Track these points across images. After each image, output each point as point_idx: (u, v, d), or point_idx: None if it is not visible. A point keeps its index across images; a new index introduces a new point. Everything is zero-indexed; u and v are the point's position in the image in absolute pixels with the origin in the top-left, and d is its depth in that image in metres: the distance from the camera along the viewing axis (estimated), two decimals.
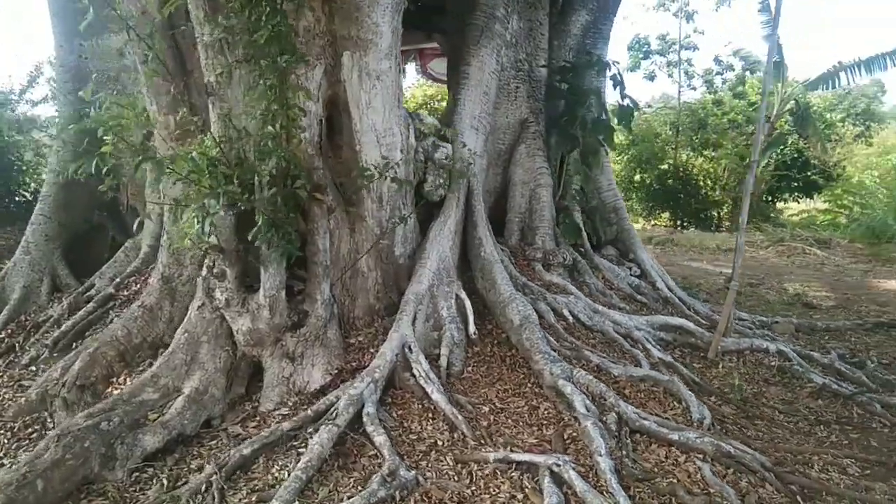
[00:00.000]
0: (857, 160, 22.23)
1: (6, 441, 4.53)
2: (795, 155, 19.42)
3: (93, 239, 6.89)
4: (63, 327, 5.71)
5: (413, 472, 3.85)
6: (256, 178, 4.37)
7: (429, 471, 3.95)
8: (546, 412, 4.59)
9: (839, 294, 9.81)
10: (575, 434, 4.31)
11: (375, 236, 5.42)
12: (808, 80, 15.99)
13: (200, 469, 4.07)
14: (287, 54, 4.21)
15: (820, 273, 12.15)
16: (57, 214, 6.58)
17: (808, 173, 19.67)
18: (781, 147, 18.19)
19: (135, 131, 5.39)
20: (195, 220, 4.39)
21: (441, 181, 5.71)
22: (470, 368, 5.17)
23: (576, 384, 4.65)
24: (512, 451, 4.06)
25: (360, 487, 3.78)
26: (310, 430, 4.30)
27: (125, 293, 6.03)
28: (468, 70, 6.18)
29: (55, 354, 5.55)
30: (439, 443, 4.24)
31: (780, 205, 21.75)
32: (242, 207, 4.51)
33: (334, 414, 4.25)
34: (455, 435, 4.32)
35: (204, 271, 4.84)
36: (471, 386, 4.96)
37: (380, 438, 4.09)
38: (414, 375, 4.81)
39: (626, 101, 6.86)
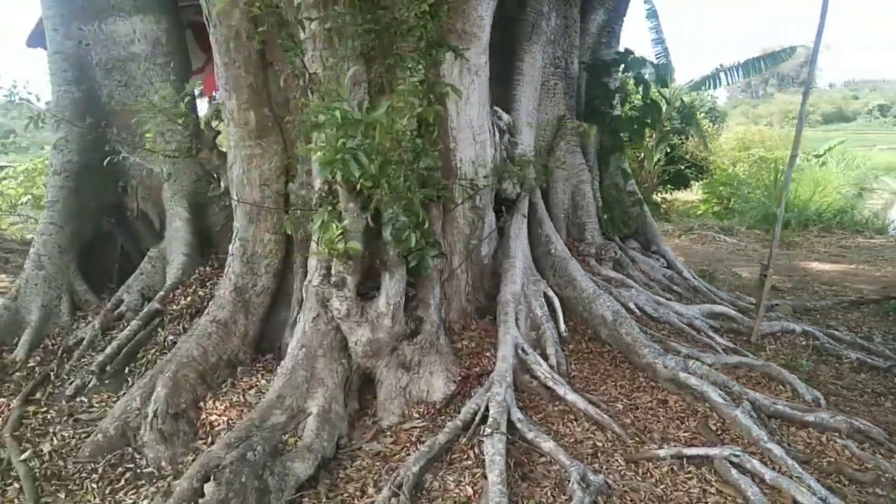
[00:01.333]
0: (722, 154, 24.36)
1: (96, 486, 3.94)
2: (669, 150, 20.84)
3: (101, 248, 6.10)
4: (107, 350, 5.02)
5: (600, 475, 3.78)
6: (402, 179, 4.07)
7: (606, 473, 3.89)
8: (676, 405, 4.65)
9: (783, 276, 10.69)
10: (721, 424, 4.40)
11: (465, 237, 5.24)
12: (692, 82, 17.23)
13: (363, 493, 3.77)
14: (439, 47, 3.96)
15: (749, 258, 13.15)
16: (68, 222, 5.75)
17: (683, 167, 21.18)
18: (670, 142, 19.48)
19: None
20: (331, 224, 4.02)
21: (515, 179, 5.62)
22: (573, 366, 5.14)
23: (696, 375, 4.75)
24: (687, 446, 4.09)
25: (556, 496, 3.66)
26: (462, 440, 4.11)
27: (173, 308, 5.41)
28: (522, 66, 6.10)
29: (106, 382, 4.88)
30: (598, 443, 4.19)
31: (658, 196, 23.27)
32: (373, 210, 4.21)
33: (496, 422, 4.07)
34: (607, 434, 4.27)
35: (315, 280, 4.45)
36: (585, 384, 4.93)
37: (548, 444, 3.98)
38: (537, 377, 4.71)
39: (649, 100, 7.08)
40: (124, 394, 4.77)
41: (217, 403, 4.58)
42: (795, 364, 5.68)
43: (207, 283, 5.62)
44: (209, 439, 4.27)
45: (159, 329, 5.24)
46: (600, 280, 6.15)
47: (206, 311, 5.01)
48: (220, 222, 6.19)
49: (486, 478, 3.75)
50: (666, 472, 3.91)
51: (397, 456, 4.10)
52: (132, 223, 6.28)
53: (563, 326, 5.36)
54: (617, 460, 4.03)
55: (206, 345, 4.80)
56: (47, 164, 5.85)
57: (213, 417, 4.46)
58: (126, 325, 5.43)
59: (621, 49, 7.53)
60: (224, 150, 5.21)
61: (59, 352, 5.12)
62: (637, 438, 4.25)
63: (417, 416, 4.49)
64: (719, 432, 4.34)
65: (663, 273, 7.12)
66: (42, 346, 5.23)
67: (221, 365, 4.84)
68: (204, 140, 5.19)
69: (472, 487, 3.74)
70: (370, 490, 3.79)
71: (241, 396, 4.67)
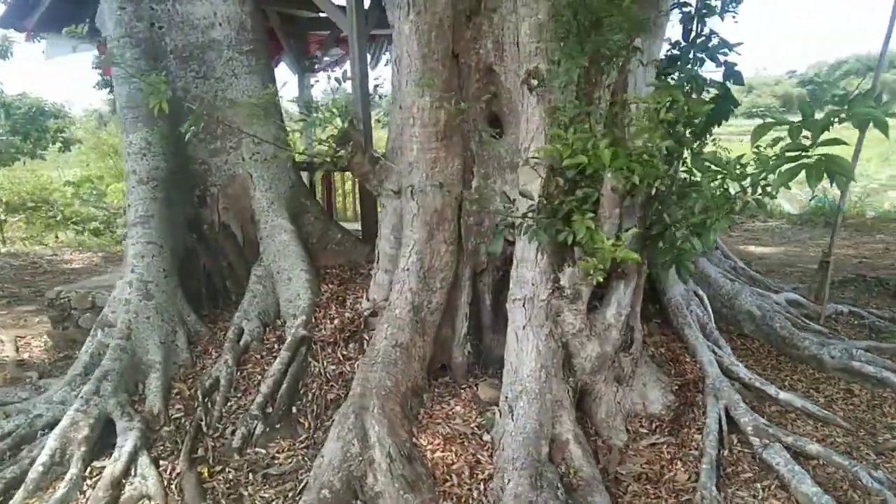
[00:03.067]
0: None
1: None
2: None
3: (187, 269, 5.18)
4: (262, 389, 4.29)
5: (878, 471, 3.80)
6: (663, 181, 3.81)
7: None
8: (864, 394, 4.76)
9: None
10: None
11: None
12: None
13: None
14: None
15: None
16: (166, 240, 4.81)
17: None
18: None
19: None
20: (597, 232, 3.68)
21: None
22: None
23: (870, 363, 4.92)
24: None
25: (859, 498, 3.63)
26: (723, 452, 3.97)
27: (320, 333, 4.72)
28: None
29: (278, 426, 4.18)
30: (838, 440, 4.20)
31: None
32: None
33: (760, 430, 3.96)
34: (835, 430, 4.31)
35: (543, 294, 4.07)
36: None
37: (814, 448, 3.95)
38: (739, 378, 4.65)
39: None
40: (305, 438, 4.12)
41: (428, 437, 4.07)
42: None
43: (346, 302, 4.97)
44: (454, 480, 3.77)
45: (310, 358, 4.55)
46: None
47: (378, 334, 4.42)
48: (317, 232, 5.50)
49: (783, 489, 3.65)
50: None
51: (666, 477, 3.86)
52: (207, 238, 5.40)
53: (712, 324, 5.33)
54: (869, 454, 4.07)
55: (394, 373, 4.25)
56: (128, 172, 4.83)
57: (437, 455, 3.95)
58: (258, 356, 4.68)
59: None
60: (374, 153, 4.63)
61: (201, 397, 4.28)
62: (863, 430, 4.32)
63: (646, 430, 4.27)
64: None
65: (728, 264, 7.32)
66: (175, 391, 4.35)
67: (409, 394, 4.31)
68: (355, 142, 4.56)
69: (777, 500, 3.62)
70: None
71: (447, 427, 4.19)
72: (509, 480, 3.61)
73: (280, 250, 5.14)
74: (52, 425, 4.30)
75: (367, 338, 4.69)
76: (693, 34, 4.44)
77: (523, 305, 4.15)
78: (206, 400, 4.27)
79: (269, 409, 4.23)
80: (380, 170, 4.70)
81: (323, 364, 4.52)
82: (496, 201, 4.56)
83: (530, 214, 3.96)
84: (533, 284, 4.13)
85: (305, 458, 3.97)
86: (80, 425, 3.79)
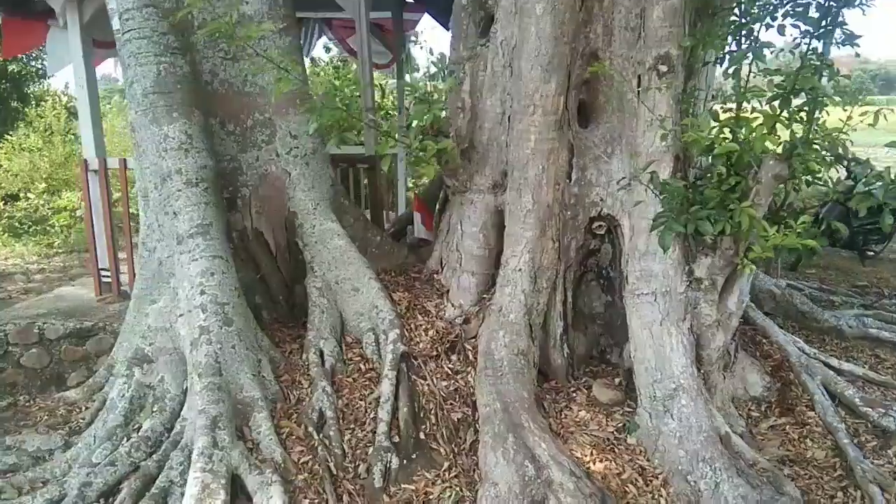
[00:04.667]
0: None
1: None
2: None
3: None
4: (381, 416, 3.74)
5: None
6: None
7: None
8: (892, 360, 5.26)
9: None
10: None
11: None
12: None
13: None
14: None
15: None
16: (227, 252, 3.97)
17: None
18: None
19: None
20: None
21: None
22: None
23: (885, 330, 5.46)
24: None
25: None
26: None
27: (418, 348, 4.20)
28: None
29: (414, 457, 3.68)
30: None
31: None
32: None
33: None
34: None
35: (681, 287, 3.98)
36: None
37: None
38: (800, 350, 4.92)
39: None
40: (449, 466, 3.68)
41: (576, 448, 3.82)
42: None
43: (428, 310, 4.49)
44: (631, 489, 3.58)
45: (413, 375, 4.06)
46: None
47: (494, 343, 4.07)
48: (358, 235, 4.93)
49: None
50: None
51: (809, 456, 3.97)
52: (243, 246, 4.61)
53: None
54: None
55: (524, 382, 3.97)
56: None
57: (598, 466, 3.72)
58: (349, 379, 4.09)
59: None
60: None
61: (315, 434, 3.63)
62: None
63: (758, 414, 4.37)
64: None
65: None
66: (283, 430, 3.63)
67: (534, 406, 4.01)
68: (456, 133, 4.13)
69: None
70: None
71: (586, 435, 3.98)
72: (695, 482, 3.49)
73: (337, 257, 4.50)
74: (108, 493, 3.45)
75: (469, 348, 4.28)
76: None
77: (655, 300, 4.03)
78: (321, 437, 3.63)
79: (396, 439, 3.70)
80: (471, 163, 4.29)
81: (432, 381, 4.05)
82: (593, 193, 4.37)
83: (661, 205, 3.84)
84: (665, 277, 4.01)
85: (464, 489, 3.53)
86: (214, 489, 3.01)
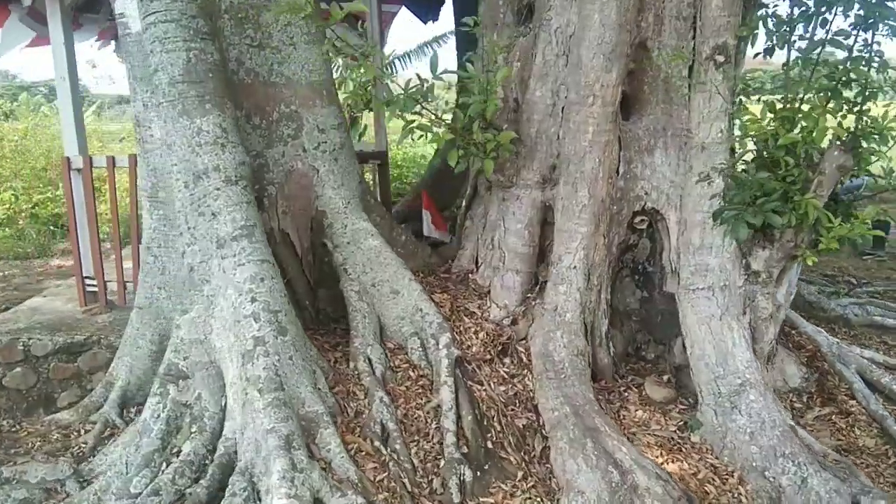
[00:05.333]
0: None
1: None
2: None
3: None
4: (446, 426, 3.53)
5: None
6: None
7: None
8: None
9: None
10: None
11: None
12: None
13: None
14: None
15: None
16: (271, 256, 3.65)
17: None
18: None
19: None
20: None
21: None
22: None
23: (887, 317, 5.63)
24: None
25: None
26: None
27: (471, 352, 3.99)
28: None
29: (486, 467, 3.49)
30: None
31: None
32: None
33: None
34: None
35: (739, 280, 3.93)
36: None
37: None
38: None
39: None
40: (524, 476, 3.52)
41: (644, 450, 3.72)
42: None
43: (472, 310, 4.28)
44: (711, 489, 3.50)
45: (467, 380, 3.85)
46: None
47: (552, 343, 3.93)
48: (385, 235, 4.67)
49: None
50: None
51: (861, 445, 4.00)
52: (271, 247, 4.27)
53: None
54: None
55: (587, 384, 3.83)
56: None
57: (671, 467, 3.63)
58: (402, 387, 3.85)
59: None
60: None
61: (383, 448, 3.38)
62: None
63: (801, 405, 4.38)
64: None
65: None
66: (350, 446, 3.35)
67: (601, 408, 3.88)
68: (523, 123, 3.95)
69: None
70: None
71: (649, 436, 3.88)
72: (774, 478, 3.44)
73: (372, 259, 4.23)
74: None
75: (521, 350, 4.10)
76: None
77: (713, 294, 3.97)
78: (389, 451, 3.38)
79: (465, 450, 3.49)
80: (518, 157, 4.11)
81: (489, 386, 3.85)
82: (637, 187, 4.28)
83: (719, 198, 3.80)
84: (722, 271, 3.96)
85: (544, 500, 3.36)
86: None
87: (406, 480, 3.26)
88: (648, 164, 4.26)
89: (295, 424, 3.12)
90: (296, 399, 3.31)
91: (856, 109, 3.81)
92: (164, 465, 3.42)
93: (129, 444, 3.56)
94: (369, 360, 3.88)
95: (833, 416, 4.24)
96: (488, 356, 4.01)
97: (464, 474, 3.36)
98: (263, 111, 4.15)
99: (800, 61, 3.92)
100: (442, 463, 3.40)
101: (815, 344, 4.81)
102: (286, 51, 4.17)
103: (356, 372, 3.82)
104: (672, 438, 3.86)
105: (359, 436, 3.44)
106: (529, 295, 4.33)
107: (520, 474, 3.50)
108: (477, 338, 4.09)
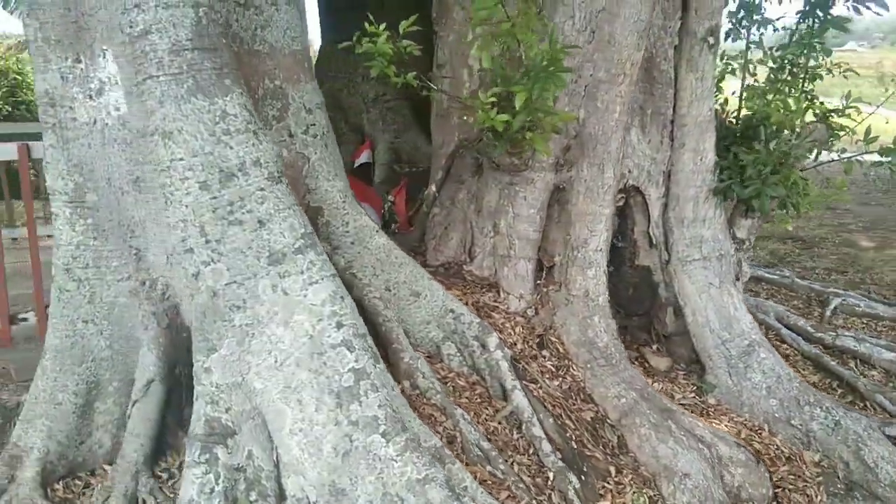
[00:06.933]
0: None
1: None
2: None
3: None
4: (534, 433, 3.30)
5: None
6: None
7: None
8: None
9: None
10: None
11: None
12: None
13: None
14: None
15: None
16: None
17: None
18: None
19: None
20: None
21: None
22: None
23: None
24: None
25: None
26: None
27: (514, 349, 3.68)
28: None
29: (585, 469, 3.33)
30: None
31: None
32: None
33: None
34: None
35: (732, 249, 4.23)
36: None
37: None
38: None
39: None
40: (617, 471, 3.44)
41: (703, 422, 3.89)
42: None
43: (492, 304, 3.96)
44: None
45: (521, 381, 3.61)
46: None
47: (589, 330, 3.90)
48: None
49: None
50: None
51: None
52: None
53: None
54: None
55: (632, 365, 3.84)
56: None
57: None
58: (462, 400, 3.47)
59: None
60: None
61: (496, 471, 3.01)
62: None
63: None
64: None
65: None
66: (476, 476, 2.89)
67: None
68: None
69: None
70: None
71: (681, 405, 4.03)
72: (802, 424, 3.82)
73: (383, 259, 3.68)
74: None
75: (554, 340, 3.93)
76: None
77: (710, 264, 4.22)
78: (501, 474, 3.03)
79: (559, 455, 3.29)
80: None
81: (544, 382, 3.64)
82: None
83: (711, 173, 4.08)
84: (715, 241, 4.24)
85: (645, 488, 3.31)
86: None
87: (535, 502, 2.96)
88: (627, 142, 4.32)
89: (439, 468, 2.61)
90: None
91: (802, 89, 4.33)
92: None
93: None
94: (423, 374, 3.39)
95: None
96: (532, 351, 3.78)
97: (572, 482, 3.14)
98: (248, 87, 3.31)
99: (753, 45, 4.31)
100: (551, 476, 3.14)
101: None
102: (268, 11, 3.37)
103: (416, 391, 3.31)
104: (696, 404, 4.05)
105: (466, 462, 3.01)
106: (539, 282, 4.16)
107: (612, 470, 3.39)
108: (515, 333, 3.82)
